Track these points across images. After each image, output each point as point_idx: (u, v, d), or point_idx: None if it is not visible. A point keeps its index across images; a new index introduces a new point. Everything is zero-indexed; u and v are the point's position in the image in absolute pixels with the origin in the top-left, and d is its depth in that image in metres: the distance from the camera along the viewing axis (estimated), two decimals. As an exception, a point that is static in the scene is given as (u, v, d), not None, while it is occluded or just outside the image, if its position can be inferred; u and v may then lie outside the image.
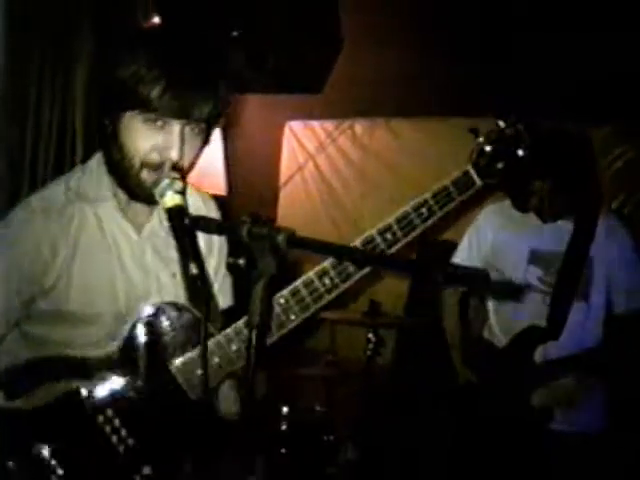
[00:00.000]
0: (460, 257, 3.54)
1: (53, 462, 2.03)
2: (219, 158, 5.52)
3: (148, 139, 1.98)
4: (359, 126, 5.88)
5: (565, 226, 3.28)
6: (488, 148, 2.14)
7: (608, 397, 3.36)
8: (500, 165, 2.14)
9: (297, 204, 6.00)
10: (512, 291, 3.34)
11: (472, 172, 2.13)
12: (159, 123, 1.96)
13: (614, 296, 3.28)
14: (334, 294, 2.07)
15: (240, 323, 2.07)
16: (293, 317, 2.07)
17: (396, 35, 5.35)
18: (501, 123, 2.16)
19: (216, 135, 5.49)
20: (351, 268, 2.03)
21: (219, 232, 1.88)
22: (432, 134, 5.60)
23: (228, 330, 2.08)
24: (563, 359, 3.21)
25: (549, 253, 3.30)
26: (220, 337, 2.07)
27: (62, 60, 4.46)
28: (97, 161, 2.16)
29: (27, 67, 4.34)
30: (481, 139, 2.16)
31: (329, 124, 5.94)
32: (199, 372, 2.04)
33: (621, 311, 3.28)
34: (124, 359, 2.07)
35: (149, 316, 2.09)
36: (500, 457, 3.28)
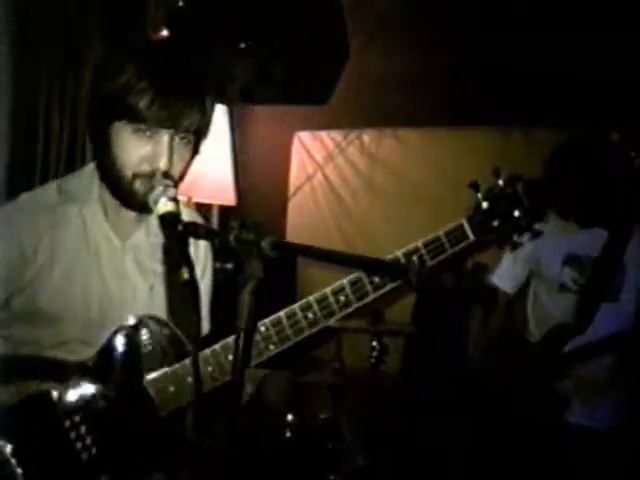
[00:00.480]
0: (501, 274, 3.63)
1: (13, 461, 2.02)
2: (228, 168, 5.53)
3: (138, 149, 1.99)
4: (367, 136, 5.88)
5: (602, 233, 3.31)
6: (485, 205, 2.13)
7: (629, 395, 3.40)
8: (495, 223, 2.14)
9: (306, 214, 5.99)
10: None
11: (466, 226, 2.12)
12: (148, 133, 1.98)
13: None
14: (315, 329, 2.08)
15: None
16: (272, 347, 2.07)
17: (402, 47, 5.37)
18: (500, 182, 2.14)
19: (225, 146, 5.57)
20: (335, 306, 2.04)
21: (208, 237, 1.87)
22: (438, 143, 5.61)
23: (228, 339, 2.06)
24: (590, 353, 3.28)
25: (584, 256, 3.35)
26: (217, 346, 2.06)
27: (71, 70, 4.48)
28: (92, 167, 2.17)
29: (37, 77, 4.37)
30: (479, 195, 2.15)
31: (337, 134, 5.94)
32: (172, 389, 2.03)
33: None
34: (100, 367, 2.05)
35: (130, 327, 2.08)
36: (520, 453, 3.33)
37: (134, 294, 2.16)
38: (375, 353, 4.37)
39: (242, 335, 1.63)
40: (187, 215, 2.25)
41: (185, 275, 1.78)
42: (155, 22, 5.00)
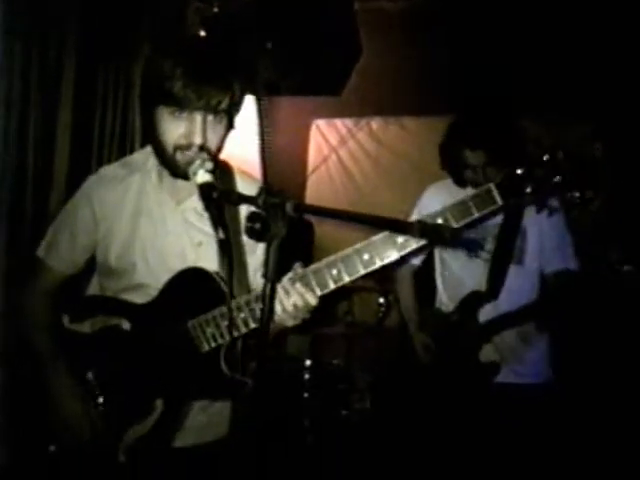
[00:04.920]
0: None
1: (95, 382, 2.12)
2: (255, 152, 5.56)
3: (175, 128, 2.04)
4: (375, 123, 5.89)
5: None
6: (520, 171, 1.95)
7: (550, 349, 3.23)
8: (529, 189, 1.96)
9: (322, 190, 6.01)
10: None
11: (494, 191, 1.96)
12: (183, 114, 2.01)
13: (545, 259, 3.12)
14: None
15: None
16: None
17: (406, 46, 5.36)
18: (539, 151, 1.97)
19: (253, 131, 5.57)
20: (360, 265, 1.97)
21: (240, 202, 1.90)
22: (437, 130, 5.57)
23: (259, 290, 2.08)
24: (504, 316, 3.07)
25: (488, 224, 3.08)
26: (251, 295, 2.08)
27: (123, 67, 4.51)
28: (149, 146, 2.24)
29: (94, 75, 4.40)
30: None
31: (349, 121, 5.96)
32: (209, 330, 2.07)
33: (551, 270, 3.12)
34: (158, 307, 2.10)
35: (179, 276, 2.12)
36: (454, 414, 3.16)
37: (183, 249, 2.19)
38: (382, 309, 4.39)
39: (269, 285, 1.66)
40: (240, 183, 2.30)
41: (220, 235, 1.84)
42: (193, 25, 5.02)
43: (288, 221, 1.64)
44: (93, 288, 2.30)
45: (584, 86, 4.51)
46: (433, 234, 1.49)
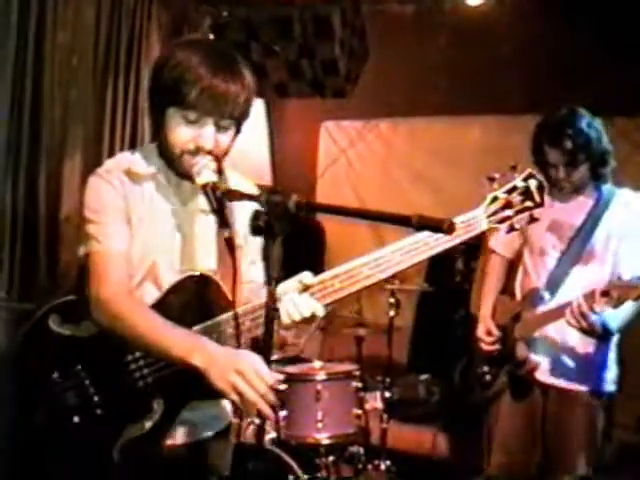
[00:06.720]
0: (497, 238, 3.44)
1: (87, 382, 2.08)
2: (265, 153, 5.57)
3: (186, 131, 2.01)
4: (383, 125, 5.88)
5: (585, 200, 3.09)
6: (502, 196, 2.18)
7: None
8: (509, 213, 2.17)
9: (332, 191, 6.03)
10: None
11: (481, 216, 2.14)
12: (194, 118, 1.99)
13: (622, 265, 3.05)
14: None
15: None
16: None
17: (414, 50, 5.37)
18: (517, 177, 2.21)
19: (263, 134, 5.58)
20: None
21: (242, 200, 1.89)
22: (442, 131, 5.61)
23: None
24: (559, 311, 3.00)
25: (565, 223, 3.11)
26: (256, 303, 2.02)
27: (134, 71, 4.54)
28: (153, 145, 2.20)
29: (104, 78, 4.43)
30: (496, 186, 2.18)
31: (358, 123, 5.96)
32: (214, 336, 2.01)
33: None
34: (161, 307, 2.07)
35: (184, 278, 2.10)
36: None
37: (191, 249, 2.16)
38: (392, 309, 4.37)
39: (273, 282, 1.66)
40: (246, 185, 2.24)
41: (225, 234, 1.84)
42: (204, 29, 5.03)
43: (291, 219, 1.64)
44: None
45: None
46: (431, 227, 1.49)
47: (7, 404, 2.12)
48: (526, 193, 2.20)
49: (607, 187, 3.09)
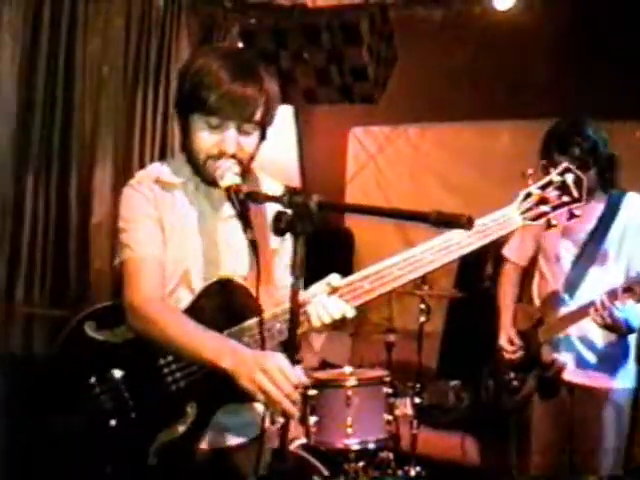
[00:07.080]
0: (511, 246, 3.49)
1: (122, 386, 2.09)
2: (294, 159, 5.57)
3: (210, 137, 2.03)
4: (412, 130, 5.86)
5: (596, 205, 3.12)
6: (536, 192, 2.11)
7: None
8: (546, 208, 2.11)
9: (361, 197, 5.99)
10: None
11: (514, 212, 2.10)
12: (217, 123, 2.01)
13: (636, 262, 3.11)
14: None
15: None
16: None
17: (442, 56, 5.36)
18: (553, 172, 2.15)
19: (292, 139, 5.59)
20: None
21: (266, 201, 1.90)
22: (471, 136, 5.58)
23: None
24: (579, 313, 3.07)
25: (577, 227, 3.12)
26: (286, 305, 1.99)
27: (163, 79, 4.58)
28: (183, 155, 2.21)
29: (134, 87, 4.48)
30: (530, 182, 2.13)
31: (387, 129, 5.94)
32: (246, 340, 2.02)
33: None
34: (193, 312, 2.08)
35: (214, 283, 2.10)
36: None
37: (223, 254, 2.17)
38: (423, 315, 4.34)
39: (296, 281, 1.66)
40: (276, 188, 2.26)
41: (249, 236, 1.84)
42: (232, 36, 5.07)
43: (315, 219, 1.65)
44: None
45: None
46: (449, 222, 1.49)
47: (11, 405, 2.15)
48: (563, 188, 2.13)
49: (616, 191, 3.14)
